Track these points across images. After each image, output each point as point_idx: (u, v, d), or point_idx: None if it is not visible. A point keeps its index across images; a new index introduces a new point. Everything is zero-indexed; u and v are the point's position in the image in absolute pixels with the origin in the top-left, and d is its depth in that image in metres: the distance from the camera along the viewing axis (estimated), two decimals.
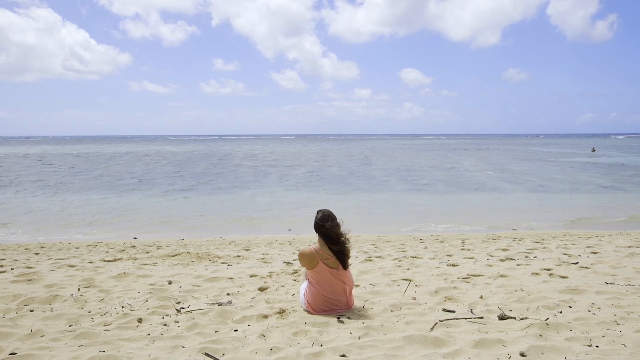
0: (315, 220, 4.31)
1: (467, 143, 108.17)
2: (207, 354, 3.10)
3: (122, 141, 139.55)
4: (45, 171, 31.44)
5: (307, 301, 4.34)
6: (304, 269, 4.80)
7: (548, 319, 3.83)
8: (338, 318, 4.10)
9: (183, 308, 4.48)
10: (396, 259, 7.58)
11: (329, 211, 4.33)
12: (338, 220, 4.31)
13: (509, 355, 3.09)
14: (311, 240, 10.47)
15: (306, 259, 4.26)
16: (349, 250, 4.32)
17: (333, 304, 4.28)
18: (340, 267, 4.28)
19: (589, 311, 4.12)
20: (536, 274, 5.92)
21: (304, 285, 4.50)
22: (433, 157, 48.68)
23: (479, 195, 20.07)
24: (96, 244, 10.15)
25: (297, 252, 5.16)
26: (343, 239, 4.25)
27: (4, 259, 7.82)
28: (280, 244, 10.19)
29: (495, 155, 53.69)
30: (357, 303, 4.61)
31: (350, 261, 4.41)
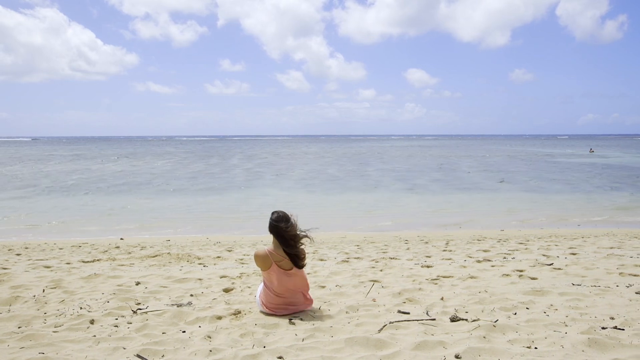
0: (269, 221, 4.30)
1: (467, 144, 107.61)
2: (139, 356, 3.09)
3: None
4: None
5: (262, 302, 4.33)
6: None
7: (497, 320, 3.78)
8: (290, 319, 4.08)
9: (140, 309, 4.48)
10: (374, 259, 7.53)
11: (284, 212, 4.32)
12: (293, 220, 4.29)
13: (444, 357, 3.06)
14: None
15: (260, 260, 4.25)
16: (303, 252, 4.30)
17: (287, 304, 4.26)
18: (294, 267, 4.27)
19: (544, 312, 4.08)
20: (507, 275, 5.87)
21: (260, 287, 4.48)
22: (433, 159, 48.53)
23: (475, 195, 19.97)
24: (81, 245, 10.18)
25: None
26: (294, 242, 4.23)
27: None
28: (265, 244, 10.16)
29: (494, 156, 53.43)
30: (317, 304, 4.58)
31: (307, 261, 4.38)
